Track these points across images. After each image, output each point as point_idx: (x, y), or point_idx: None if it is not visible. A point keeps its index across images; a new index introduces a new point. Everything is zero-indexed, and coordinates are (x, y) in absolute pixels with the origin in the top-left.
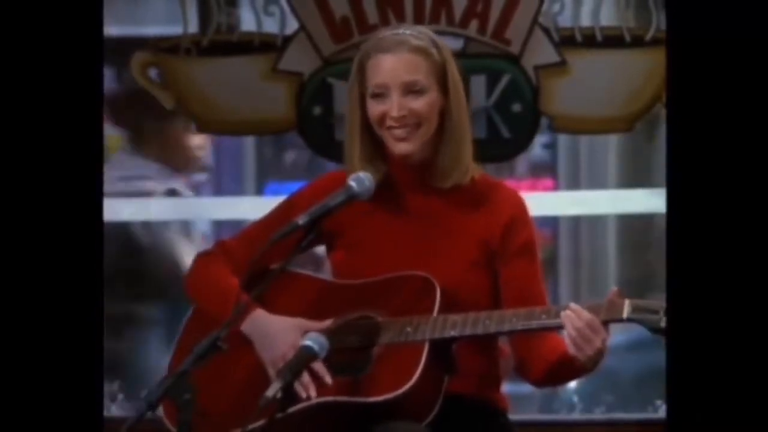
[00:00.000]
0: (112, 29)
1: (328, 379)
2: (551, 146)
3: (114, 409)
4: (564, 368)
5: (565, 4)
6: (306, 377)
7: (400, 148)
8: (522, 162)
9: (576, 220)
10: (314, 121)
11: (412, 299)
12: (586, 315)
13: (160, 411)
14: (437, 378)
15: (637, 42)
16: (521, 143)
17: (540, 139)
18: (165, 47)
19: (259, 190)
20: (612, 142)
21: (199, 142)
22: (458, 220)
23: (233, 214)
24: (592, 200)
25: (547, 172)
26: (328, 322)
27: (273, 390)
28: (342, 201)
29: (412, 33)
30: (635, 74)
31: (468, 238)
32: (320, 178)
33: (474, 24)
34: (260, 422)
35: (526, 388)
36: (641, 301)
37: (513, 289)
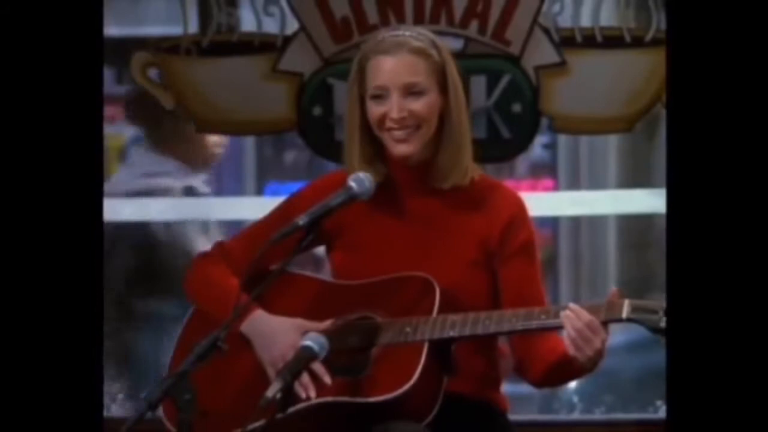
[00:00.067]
0: (112, 29)
1: (327, 379)
2: (551, 146)
3: (114, 409)
4: (563, 369)
5: (565, 4)
6: (306, 377)
7: (400, 149)
8: (522, 162)
9: (576, 220)
10: (314, 121)
11: (411, 300)
12: (586, 315)
13: (160, 411)
14: (437, 378)
15: (637, 42)
16: (521, 143)
17: (540, 140)
18: (165, 47)
19: (259, 190)
20: (612, 142)
21: (216, 139)
22: (458, 221)
23: (233, 214)
24: (592, 200)
25: (547, 173)
26: (327, 323)
27: (273, 390)
28: (342, 201)
29: (412, 34)
30: (635, 74)
31: (467, 239)
32: (320, 179)
33: (474, 24)
34: (260, 422)
35: (526, 388)
36: (641, 301)
37: (512, 290)
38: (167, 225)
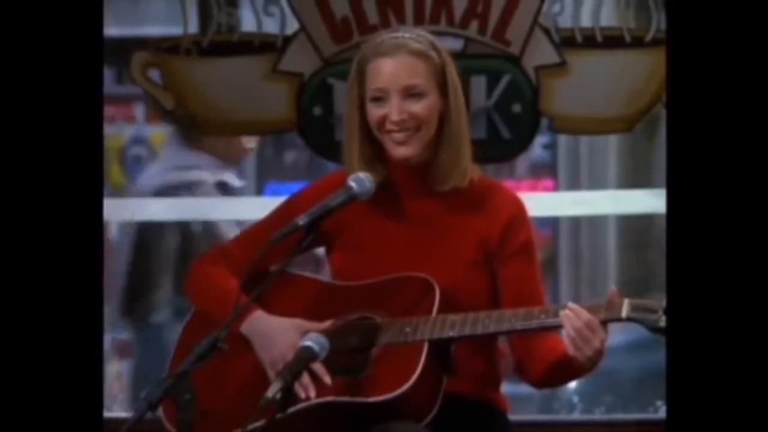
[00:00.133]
0: (112, 29)
1: (327, 379)
2: (551, 147)
3: (114, 409)
4: (563, 369)
5: (565, 4)
6: (306, 378)
7: (400, 151)
8: (522, 162)
9: (576, 221)
10: (314, 121)
11: (411, 300)
12: (585, 315)
13: (160, 412)
14: (436, 378)
15: (637, 42)
16: (521, 144)
17: (540, 140)
18: (165, 47)
19: (259, 190)
20: (612, 142)
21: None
22: (457, 222)
23: (233, 214)
24: (592, 200)
25: (547, 173)
26: (327, 323)
27: (273, 390)
28: (342, 201)
29: (411, 36)
30: (635, 74)
31: (467, 239)
32: (320, 179)
33: (474, 24)
34: (260, 422)
35: (526, 388)
36: (640, 301)
37: (511, 290)
38: (207, 224)
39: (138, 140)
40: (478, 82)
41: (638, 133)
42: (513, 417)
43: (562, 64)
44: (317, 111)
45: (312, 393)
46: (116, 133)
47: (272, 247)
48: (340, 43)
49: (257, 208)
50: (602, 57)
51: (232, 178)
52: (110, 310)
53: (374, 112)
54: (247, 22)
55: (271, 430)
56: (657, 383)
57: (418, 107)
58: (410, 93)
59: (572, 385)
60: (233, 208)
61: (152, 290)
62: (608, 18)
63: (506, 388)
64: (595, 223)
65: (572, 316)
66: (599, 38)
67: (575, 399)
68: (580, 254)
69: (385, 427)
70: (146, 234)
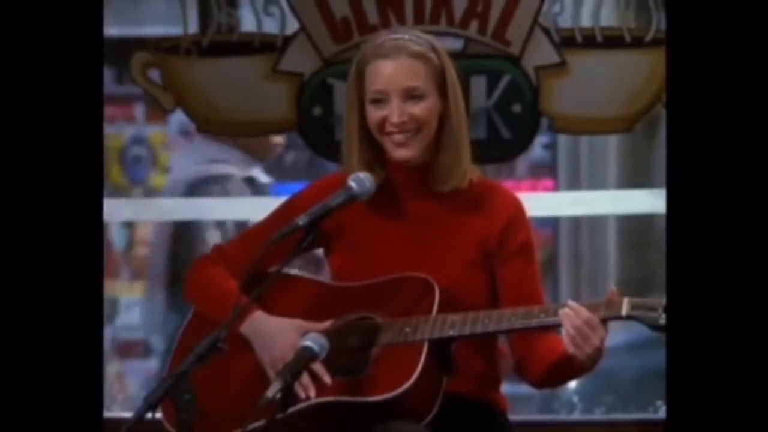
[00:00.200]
0: (112, 29)
1: (327, 379)
2: (551, 147)
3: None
4: (563, 368)
5: (565, 4)
6: (306, 378)
7: (400, 153)
8: (522, 162)
9: (576, 221)
10: (314, 121)
11: (411, 300)
12: (585, 313)
13: (160, 412)
14: (436, 378)
15: (637, 42)
16: (521, 144)
17: (540, 140)
18: (165, 47)
19: None
20: (612, 142)
21: None
22: (457, 222)
23: (233, 214)
24: (592, 200)
25: (547, 173)
26: (327, 323)
27: (273, 390)
28: (342, 201)
29: (411, 38)
30: (635, 74)
31: (466, 240)
32: (321, 180)
33: (474, 24)
34: (260, 422)
35: (526, 388)
36: (640, 299)
37: (511, 290)
38: (239, 225)
39: (138, 140)
40: (478, 82)
41: (638, 133)
42: (513, 417)
43: (562, 64)
44: (317, 111)
45: (312, 393)
46: (116, 133)
47: (272, 247)
48: (340, 43)
49: (257, 208)
50: (602, 57)
51: (260, 174)
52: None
53: (374, 113)
54: (247, 22)
55: (271, 430)
56: (657, 383)
57: (418, 109)
58: (410, 95)
59: (572, 385)
60: (233, 208)
61: None
62: (608, 18)
63: (506, 388)
64: (595, 223)
65: (572, 315)
66: (599, 38)
67: (575, 399)
68: (580, 254)
69: (385, 427)
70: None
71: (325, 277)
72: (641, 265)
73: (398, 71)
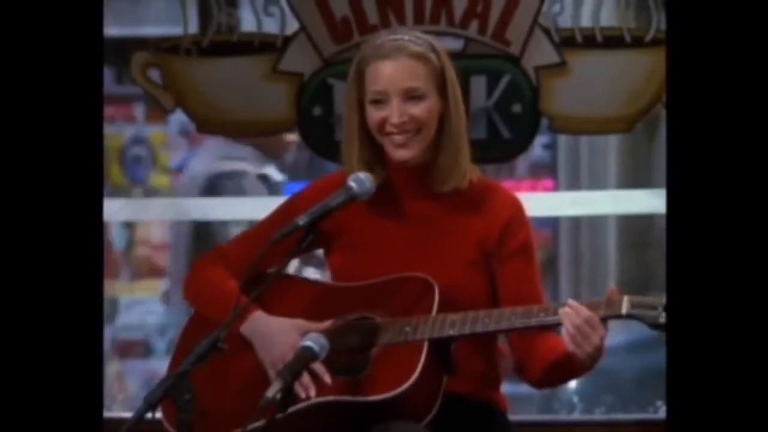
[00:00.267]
0: (112, 29)
1: (327, 378)
2: (551, 147)
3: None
4: (563, 367)
5: (565, 4)
6: (306, 377)
7: (400, 154)
8: (522, 162)
9: (576, 221)
10: (314, 121)
11: (411, 300)
12: (585, 311)
13: (160, 412)
14: (436, 377)
15: (637, 42)
16: (521, 144)
17: (540, 140)
18: (165, 47)
19: None
20: (612, 142)
21: None
22: (456, 222)
23: (233, 214)
24: (592, 200)
25: (547, 173)
26: (327, 323)
27: (273, 390)
28: (342, 201)
29: (411, 38)
30: (635, 74)
31: (466, 240)
32: (321, 180)
33: (474, 24)
34: (260, 422)
35: (526, 388)
36: (640, 298)
37: (510, 290)
38: None
39: (138, 140)
40: (478, 82)
41: (638, 133)
42: (513, 417)
43: (562, 64)
44: (317, 111)
45: (312, 392)
46: (116, 133)
47: (272, 247)
48: (340, 43)
49: (257, 208)
50: (602, 57)
51: (273, 172)
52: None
53: (374, 114)
54: (247, 22)
55: (271, 430)
56: (657, 383)
57: (418, 110)
58: (410, 96)
59: (572, 385)
60: (233, 208)
61: None
62: (608, 18)
63: (506, 388)
64: (595, 223)
65: (572, 313)
66: (599, 38)
67: (575, 399)
68: (580, 254)
69: (385, 427)
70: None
71: (325, 278)
72: (641, 265)
73: (398, 72)
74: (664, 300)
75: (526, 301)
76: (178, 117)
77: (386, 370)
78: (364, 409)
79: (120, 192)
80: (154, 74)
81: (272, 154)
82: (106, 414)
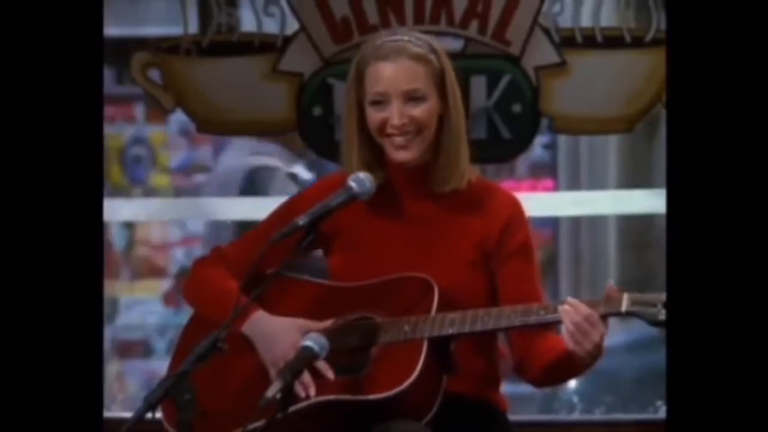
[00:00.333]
0: (112, 29)
1: (330, 374)
2: (551, 147)
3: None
4: (563, 366)
5: (565, 4)
6: (306, 376)
7: (400, 155)
8: (522, 162)
9: (576, 221)
10: (314, 121)
11: (410, 300)
12: (584, 309)
13: (160, 412)
14: (436, 376)
15: (637, 42)
16: (521, 144)
17: (540, 140)
18: (165, 47)
19: None
20: (612, 142)
21: None
22: (456, 223)
23: (233, 214)
24: (592, 200)
25: (547, 173)
26: (328, 322)
27: (273, 390)
28: (342, 201)
29: (411, 39)
30: (635, 74)
31: (465, 240)
32: (321, 180)
33: (474, 24)
34: (260, 422)
35: (526, 388)
36: (639, 295)
37: (510, 290)
38: None
39: (138, 140)
40: (478, 82)
41: (638, 133)
42: (513, 417)
43: (562, 64)
44: (317, 111)
45: (312, 392)
46: (116, 133)
47: (272, 247)
48: (340, 43)
49: (257, 208)
50: (602, 57)
51: (301, 171)
52: None
53: (374, 115)
54: (247, 22)
55: (271, 430)
56: (657, 383)
57: (418, 111)
58: (411, 97)
59: (572, 385)
60: (233, 208)
61: None
62: (608, 18)
63: (506, 388)
64: (595, 223)
65: (571, 311)
66: (599, 38)
67: (575, 399)
68: (580, 254)
69: (386, 426)
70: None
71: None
72: (641, 265)
73: (398, 73)
74: (663, 297)
75: (526, 301)
76: (178, 117)
77: (386, 369)
78: (364, 408)
79: (120, 192)
80: (154, 74)
81: (300, 152)
82: (106, 414)
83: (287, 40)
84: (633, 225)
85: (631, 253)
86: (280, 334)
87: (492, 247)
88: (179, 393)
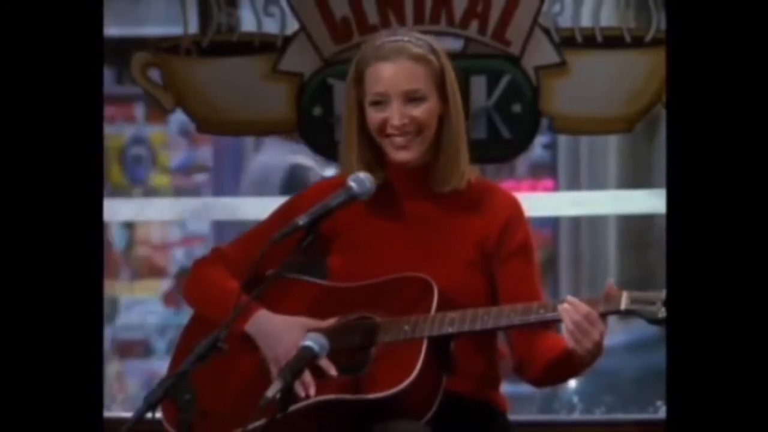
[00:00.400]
0: (112, 29)
1: (333, 372)
2: (551, 147)
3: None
4: (563, 364)
5: (565, 4)
6: (306, 376)
7: (401, 155)
8: (522, 162)
9: (576, 221)
10: (314, 121)
11: (410, 300)
12: (584, 307)
13: (160, 412)
14: (436, 376)
15: (637, 42)
16: (521, 144)
17: (540, 140)
18: (165, 47)
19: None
20: (612, 142)
21: None
22: (455, 223)
23: (233, 214)
24: (592, 200)
25: (547, 173)
26: (331, 321)
27: (273, 390)
28: (342, 201)
29: (411, 39)
30: (635, 74)
31: (465, 240)
32: (320, 181)
33: (474, 24)
34: (260, 422)
35: (526, 388)
36: (639, 293)
37: (510, 290)
38: None
39: (138, 140)
40: (478, 82)
41: (638, 133)
42: (513, 417)
43: (562, 64)
44: (317, 111)
45: (312, 391)
46: (116, 133)
47: (272, 247)
48: (340, 43)
49: (257, 208)
50: (602, 57)
51: (335, 170)
52: None
53: (374, 116)
54: (247, 22)
55: (271, 430)
56: (657, 383)
57: (418, 111)
58: (410, 97)
59: (572, 385)
60: (234, 208)
61: None
62: (608, 18)
63: (506, 388)
64: (595, 223)
65: (571, 310)
66: (599, 38)
67: (575, 399)
68: (580, 254)
69: (386, 425)
70: None
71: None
72: (641, 265)
73: (398, 74)
74: (662, 295)
75: (526, 301)
76: (178, 117)
77: (386, 368)
78: (364, 407)
79: (120, 192)
80: (154, 74)
81: (332, 158)
82: (106, 414)
83: (287, 40)
84: (633, 225)
85: (631, 253)
86: (283, 332)
87: (492, 247)
88: (179, 393)
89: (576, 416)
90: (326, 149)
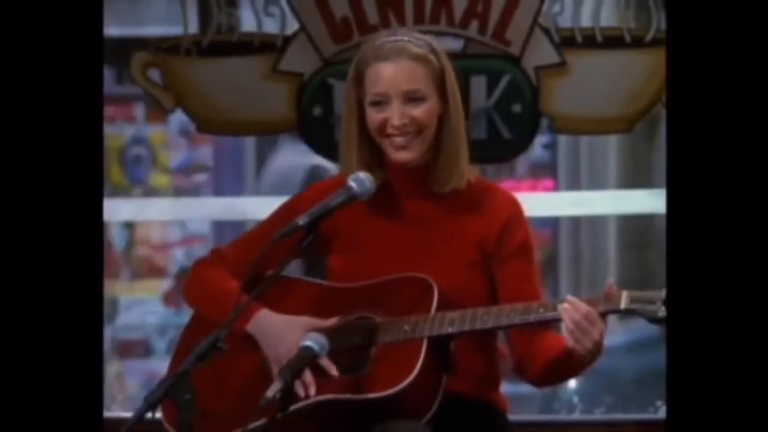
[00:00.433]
0: (112, 29)
1: (334, 371)
2: (551, 147)
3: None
4: (563, 364)
5: (565, 4)
6: (307, 376)
7: (401, 155)
8: (522, 162)
9: (576, 221)
10: (314, 121)
11: (410, 300)
12: (584, 307)
13: (160, 412)
14: (436, 375)
15: (637, 42)
16: (521, 144)
17: (540, 140)
18: (165, 47)
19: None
20: (612, 142)
21: None
22: (455, 223)
23: (233, 214)
24: (592, 200)
25: (547, 173)
26: (332, 321)
27: (273, 390)
28: (342, 201)
29: (410, 40)
30: (635, 74)
31: (465, 241)
32: (320, 181)
33: (474, 24)
34: (260, 422)
35: (526, 388)
36: (639, 292)
37: (510, 290)
38: None
39: (138, 140)
40: (478, 82)
41: (638, 133)
42: (513, 417)
43: (562, 64)
44: (317, 111)
45: (312, 391)
46: (116, 133)
47: (272, 248)
48: (340, 43)
49: (257, 208)
50: (602, 57)
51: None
52: None
53: (374, 116)
54: (247, 22)
55: (271, 430)
56: (657, 383)
57: (418, 111)
58: (410, 97)
59: (572, 385)
60: (234, 208)
61: None
62: (608, 18)
63: (506, 388)
64: (595, 223)
65: (571, 309)
66: (599, 38)
67: (575, 399)
68: (580, 254)
69: (386, 425)
70: None
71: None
72: (641, 265)
73: (398, 74)
74: (662, 294)
75: (526, 301)
76: (178, 117)
77: (386, 368)
78: (364, 407)
79: (120, 192)
80: (154, 74)
81: None
82: (106, 414)
83: (287, 40)
84: (633, 225)
85: (631, 253)
86: (284, 332)
87: (491, 247)
88: (179, 393)
89: (576, 416)
90: (326, 149)
